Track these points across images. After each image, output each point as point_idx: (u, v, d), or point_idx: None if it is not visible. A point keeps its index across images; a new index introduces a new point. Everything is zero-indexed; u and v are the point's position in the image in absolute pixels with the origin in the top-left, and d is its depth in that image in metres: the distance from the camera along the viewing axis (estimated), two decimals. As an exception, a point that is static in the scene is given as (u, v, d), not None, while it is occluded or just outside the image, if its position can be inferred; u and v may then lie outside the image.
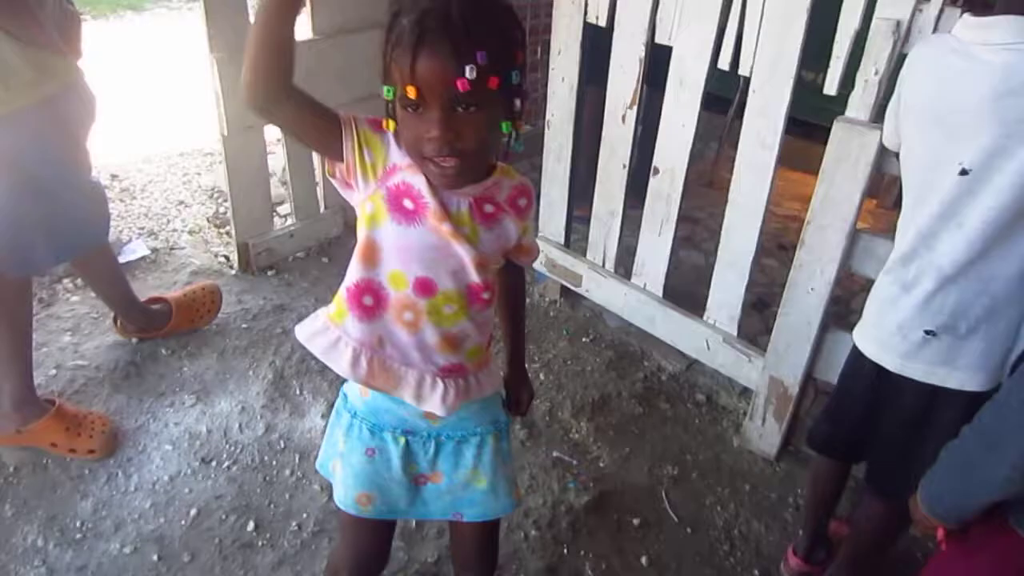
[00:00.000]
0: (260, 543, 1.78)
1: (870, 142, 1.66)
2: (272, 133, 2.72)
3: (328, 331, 1.13)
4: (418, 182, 1.02)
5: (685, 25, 2.00)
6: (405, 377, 1.12)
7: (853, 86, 1.70)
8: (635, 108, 2.21)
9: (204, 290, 2.44)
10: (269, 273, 2.76)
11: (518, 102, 1.00)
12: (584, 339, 2.60)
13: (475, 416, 1.22)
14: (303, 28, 2.57)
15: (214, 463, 1.97)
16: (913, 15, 1.57)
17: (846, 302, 2.73)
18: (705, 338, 2.26)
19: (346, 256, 1.12)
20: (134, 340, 2.32)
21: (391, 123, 1.00)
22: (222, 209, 3.16)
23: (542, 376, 2.38)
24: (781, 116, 1.87)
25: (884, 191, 3.48)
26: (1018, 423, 0.99)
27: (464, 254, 1.06)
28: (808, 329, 1.93)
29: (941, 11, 1.54)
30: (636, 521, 1.93)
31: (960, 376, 1.34)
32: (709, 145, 3.74)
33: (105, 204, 2.07)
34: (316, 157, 2.78)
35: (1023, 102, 1.14)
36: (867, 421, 1.52)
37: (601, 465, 2.09)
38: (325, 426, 2.07)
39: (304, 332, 1.15)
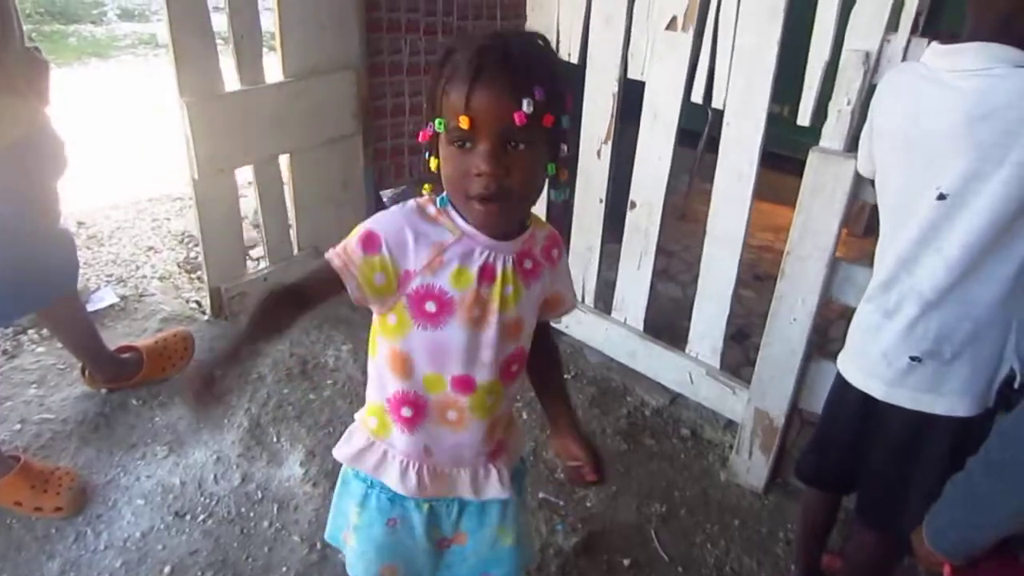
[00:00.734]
0: (238, 600, 1.71)
1: (845, 171, 1.67)
2: (243, 175, 2.69)
3: (374, 447, 1.12)
4: (439, 280, 0.98)
5: (657, 59, 2.02)
6: (459, 478, 1.12)
7: (825, 117, 1.72)
8: (609, 143, 2.22)
9: (176, 337, 2.38)
10: (242, 318, 2.71)
11: (564, 148, 0.98)
12: (566, 375, 2.55)
13: None
14: (273, 70, 2.56)
15: (188, 517, 1.89)
16: (882, 46, 1.60)
17: (823, 331, 2.73)
18: (688, 371, 2.25)
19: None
20: (103, 391, 2.25)
21: (433, 161, 0.97)
22: (193, 254, 3.11)
23: (525, 415, 2.34)
24: (756, 147, 1.89)
25: (854, 219, 3.53)
26: None
27: (495, 334, 1.02)
28: (792, 359, 1.92)
29: (908, 41, 1.57)
30: (626, 562, 1.89)
31: (946, 402, 1.33)
32: (680, 178, 3.78)
33: (74, 252, 2.01)
34: (289, 199, 2.76)
35: (997, 126, 1.15)
36: (854, 450, 1.50)
37: (588, 505, 2.04)
38: (304, 474, 2.05)
39: (345, 453, 1.14)
